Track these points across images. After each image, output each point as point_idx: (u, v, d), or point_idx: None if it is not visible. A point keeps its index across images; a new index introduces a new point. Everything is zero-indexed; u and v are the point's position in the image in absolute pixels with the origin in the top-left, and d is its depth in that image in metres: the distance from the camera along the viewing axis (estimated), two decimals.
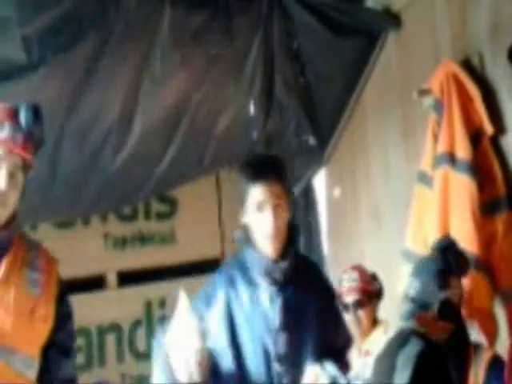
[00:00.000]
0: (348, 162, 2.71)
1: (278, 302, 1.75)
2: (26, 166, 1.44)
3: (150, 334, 2.61)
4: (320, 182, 2.88)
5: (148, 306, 2.63)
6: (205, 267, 2.21)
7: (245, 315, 1.73)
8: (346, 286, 2.16)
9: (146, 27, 2.14)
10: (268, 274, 1.74)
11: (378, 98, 2.61)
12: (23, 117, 1.43)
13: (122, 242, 2.58)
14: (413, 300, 1.80)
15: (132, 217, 2.60)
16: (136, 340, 2.60)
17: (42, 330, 1.47)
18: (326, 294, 1.84)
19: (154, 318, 2.63)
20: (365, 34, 2.70)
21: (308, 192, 2.85)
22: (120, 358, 2.56)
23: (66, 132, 2.13)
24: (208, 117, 2.50)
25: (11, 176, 1.41)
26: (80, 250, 2.43)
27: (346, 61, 2.67)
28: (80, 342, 2.49)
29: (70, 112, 2.11)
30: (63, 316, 1.53)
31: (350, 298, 2.13)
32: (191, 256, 2.65)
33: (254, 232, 1.75)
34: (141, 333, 2.62)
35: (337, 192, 2.75)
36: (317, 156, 2.79)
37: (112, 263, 2.56)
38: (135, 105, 2.24)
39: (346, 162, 2.73)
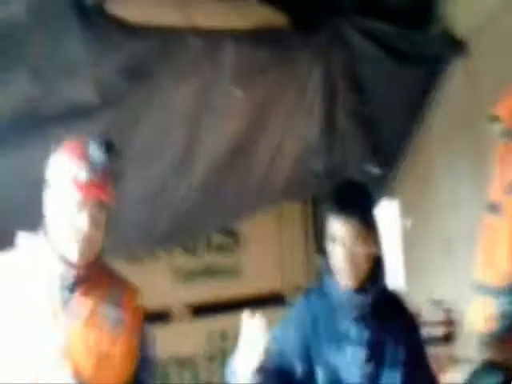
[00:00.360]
0: (415, 192, 2.67)
1: (364, 336, 1.72)
2: (105, 206, 1.47)
3: (221, 366, 2.64)
4: (392, 212, 2.83)
5: (216, 337, 2.67)
6: (268, 300, 2.22)
7: (327, 350, 1.69)
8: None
9: (210, 63, 2.22)
10: (352, 306, 1.72)
11: (445, 125, 2.57)
12: (98, 156, 1.45)
13: (188, 276, 2.64)
14: None
15: (197, 251, 2.66)
16: (208, 373, 2.65)
17: (123, 371, 1.50)
18: (413, 331, 1.79)
19: (221, 350, 2.67)
20: (429, 62, 2.68)
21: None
22: None
23: (131, 169, 2.23)
24: (270, 150, 2.54)
25: (93, 217, 1.44)
26: (148, 283, 2.51)
27: (410, 89, 2.65)
28: None
29: (136, 149, 2.22)
30: (147, 349, 1.56)
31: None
32: (255, 288, 2.67)
33: (334, 260, 1.74)
34: (212, 366, 2.66)
35: (407, 223, 2.70)
36: (381, 187, 2.76)
37: (179, 296, 2.61)
38: (198, 140, 2.32)
39: (413, 192, 2.69)
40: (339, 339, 1.71)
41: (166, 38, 2.07)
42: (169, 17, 2.09)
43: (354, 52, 2.66)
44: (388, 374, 1.71)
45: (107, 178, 1.47)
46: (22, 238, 1.51)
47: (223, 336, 2.67)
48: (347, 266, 1.65)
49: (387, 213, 2.80)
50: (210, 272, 2.67)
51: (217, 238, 2.70)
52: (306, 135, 2.64)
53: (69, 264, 1.46)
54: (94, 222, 1.44)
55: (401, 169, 2.73)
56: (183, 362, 2.61)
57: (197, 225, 2.47)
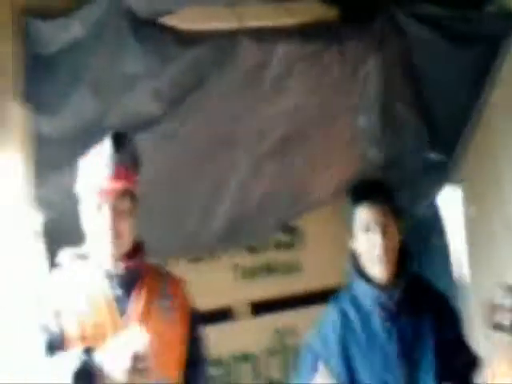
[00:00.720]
0: (479, 178, 2.61)
1: (394, 334, 1.74)
2: (127, 194, 1.52)
3: (283, 363, 2.69)
4: (455, 199, 2.78)
5: (278, 334, 2.70)
6: (331, 295, 2.23)
7: (362, 352, 1.75)
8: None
9: (260, 64, 2.22)
10: (381, 305, 1.74)
11: (505, 107, 2.50)
12: (108, 151, 1.50)
13: (250, 274, 2.68)
14: None
15: (258, 248, 2.69)
16: (270, 369, 2.68)
17: (179, 353, 1.59)
18: (444, 315, 1.81)
19: (285, 346, 2.70)
20: (486, 42, 2.59)
21: (433, 212, 2.76)
22: None
23: (192, 172, 2.27)
24: (325, 144, 2.53)
25: (114, 209, 1.50)
26: (211, 282, 2.56)
27: (468, 72, 2.58)
28: (216, 371, 2.61)
29: (195, 152, 2.25)
30: (195, 339, 1.65)
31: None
32: (317, 284, 2.69)
33: (362, 258, 1.76)
34: (274, 362, 2.69)
35: (471, 209, 2.65)
36: (440, 174, 2.71)
37: (242, 294, 2.66)
38: (255, 142, 2.33)
39: (476, 178, 2.62)
40: (370, 339, 1.75)
41: (218, 42, 2.08)
42: (220, 20, 2.09)
43: (409, 38, 2.60)
44: (423, 366, 1.74)
45: (122, 168, 1.52)
46: (65, 255, 1.60)
47: (286, 332, 2.70)
48: (382, 252, 1.71)
49: (450, 200, 2.75)
50: (270, 269, 2.69)
51: (281, 236, 2.72)
52: (361, 127, 2.61)
53: (113, 267, 1.53)
54: (116, 213, 1.49)
55: (463, 154, 2.67)
56: (246, 359, 2.66)
57: (256, 222, 2.50)
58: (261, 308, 2.67)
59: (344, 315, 1.79)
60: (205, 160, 2.22)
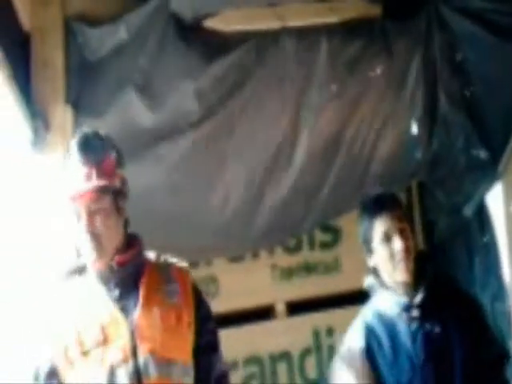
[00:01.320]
0: None
1: (420, 338, 1.77)
2: (106, 190, 1.47)
3: (320, 362, 2.71)
4: (496, 197, 2.73)
5: (316, 334, 2.72)
6: (369, 296, 2.24)
7: (388, 363, 1.77)
8: None
9: (304, 61, 2.23)
10: (404, 310, 1.77)
11: None
12: (75, 154, 1.45)
13: (288, 273, 2.70)
14: None
15: (297, 247, 2.70)
16: (306, 368, 2.71)
17: (189, 337, 1.57)
18: (470, 312, 1.82)
19: (322, 345, 2.72)
20: None
21: (481, 211, 2.72)
22: None
23: (232, 170, 2.31)
24: (368, 142, 2.53)
25: (92, 210, 1.45)
26: (249, 282, 2.59)
27: None
28: (254, 369, 2.66)
29: (235, 152, 2.29)
30: (203, 319, 1.60)
31: None
32: (356, 284, 2.67)
33: (383, 269, 1.79)
34: (310, 361, 2.70)
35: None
36: (489, 171, 2.65)
37: (279, 293, 2.68)
38: (294, 139, 2.35)
39: None
40: (396, 348, 1.77)
41: (260, 42, 2.10)
42: (261, 20, 2.11)
43: (454, 33, 2.57)
44: (452, 368, 1.74)
45: (93, 168, 1.46)
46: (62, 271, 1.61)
47: (323, 332, 2.72)
48: (404, 255, 1.74)
49: (492, 198, 2.72)
50: (309, 268, 2.71)
51: (320, 236, 2.72)
52: (405, 125, 2.60)
53: (104, 268, 1.50)
54: (95, 213, 1.46)
55: (508, 151, 2.61)
56: (282, 358, 2.69)
57: (294, 222, 2.52)
58: (298, 307, 2.69)
59: (368, 328, 1.81)
60: (241, 159, 2.25)
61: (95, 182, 1.45)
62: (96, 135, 1.49)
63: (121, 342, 1.48)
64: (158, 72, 1.90)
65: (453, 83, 2.61)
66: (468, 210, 2.67)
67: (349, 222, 2.71)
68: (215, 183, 2.25)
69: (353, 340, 1.81)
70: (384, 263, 1.81)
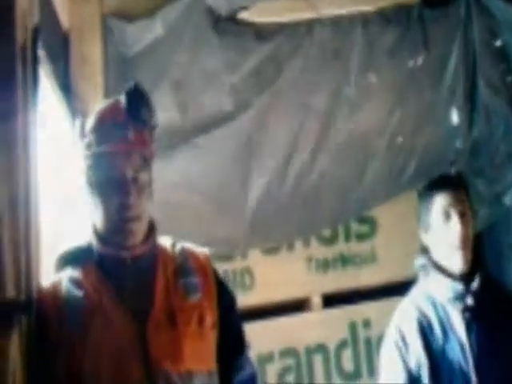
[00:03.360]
0: None
1: (475, 329, 1.79)
2: (147, 162, 1.37)
3: (356, 354, 2.77)
4: None
5: (352, 326, 2.78)
6: (407, 287, 2.29)
7: (440, 346, 1.80)
8: None
9: (339, 52, 2.28)
10: (458, 296, 1.78)
11: None
12: (125, 109, 1.34)
13: (324, 265, 2.76)
14: None
15: (333, 239, 2.74)
16: (342, 360, 2.76)
17: (212, 339, 1.43)
18: None
19: (358, 338, 2.77)
20: None
21: None
22: (328, 377, 2.75)
23: (268, 162, 2.38)
24: (407, 133, 2.56)
25: (134, 182, 1.34)
26: (285, 274, 2.66)
27: None
28: (289, 362, 2.72)
29: (271, 144, 2.36)
30: (226, 314, 1.47)
31: None
32: (392, 276, 2.73)
33: (438, 249, 1.81)
34: (347, 353, 2.75)
35: None
36: None
37: (315, 286, 2.74)
38: (330, 130, 2.40)
39: None
40: (448, 333, 1.81)
41: (293, 33, 2.15)
42: (295, 11, 2.16)
43: (494, 18, 2.58)
44: (506, 362, 1.78)
45: (143, 130, 1.37)
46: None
47: (362, 324, 2.77)
48: (463, 239, 1.75)
49: None
50: (345, 260, 2.76)
51: (356, 227, 2.75)
52: (445, 113, 2.62)
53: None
54: (135, 186, 1.33)
55: None
56: (318, 351, 2.76)
57: (331, 212, 2.57)
58: (334, 299, 2.73)
59: (419, 310, 1.84)
60: (276, 151, 2.32)
61: (145, 135, 1.37)
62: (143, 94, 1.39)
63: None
64: (193, 66, 1.98)
65: (493, 70, 2.62)
66: (508, 199, 2.69)
67: (385, 213, 2.78)
68: (251, 175, 2.31)
69: (403, 321, 1.84)
70: (440, 244, 1.82)
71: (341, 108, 2.37)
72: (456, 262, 1.78)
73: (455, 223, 1.77)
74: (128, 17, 1.81)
